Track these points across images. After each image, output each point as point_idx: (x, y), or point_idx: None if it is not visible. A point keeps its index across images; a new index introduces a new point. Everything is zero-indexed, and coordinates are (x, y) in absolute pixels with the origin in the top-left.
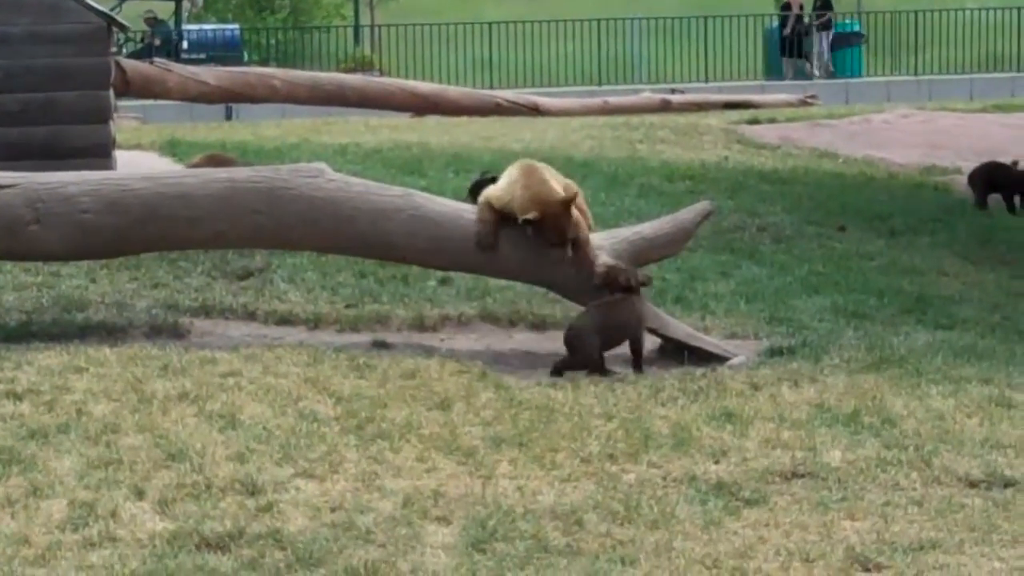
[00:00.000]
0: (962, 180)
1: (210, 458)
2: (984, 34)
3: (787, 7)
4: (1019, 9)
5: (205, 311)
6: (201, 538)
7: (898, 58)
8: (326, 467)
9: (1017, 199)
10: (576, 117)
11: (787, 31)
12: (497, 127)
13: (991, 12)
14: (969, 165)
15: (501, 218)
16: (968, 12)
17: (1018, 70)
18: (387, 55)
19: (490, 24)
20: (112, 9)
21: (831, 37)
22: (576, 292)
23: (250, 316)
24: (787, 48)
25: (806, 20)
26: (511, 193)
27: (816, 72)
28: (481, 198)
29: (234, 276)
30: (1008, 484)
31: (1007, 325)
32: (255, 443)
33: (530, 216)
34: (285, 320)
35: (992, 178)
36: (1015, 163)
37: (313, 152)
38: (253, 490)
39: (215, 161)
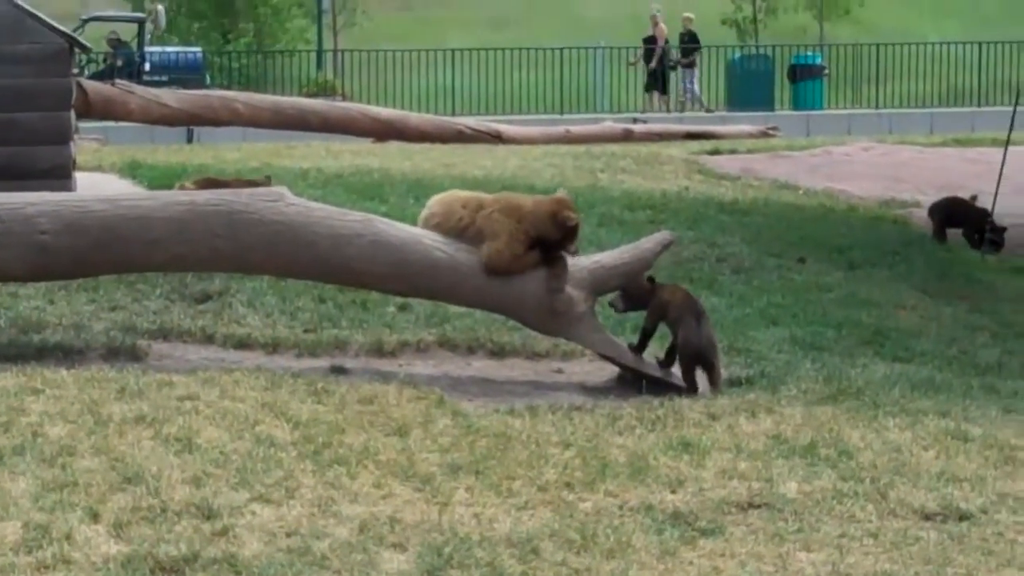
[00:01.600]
0: (921, 214)
1: (166, 481)
2: (945, 68)
3: (652, 40)
4: (980, 44)
5: (163, 334)
6: (156, 562)
7: (859, 91)
8: (282, 492)
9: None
10: (538, 145)
11: (652, 65)
12: (459, 154)
13: (952, 47)
14: (928, 199)
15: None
16: (929, 46)
17: (978, 105)
18: (350, 80)
19: (453, 51)
20: (75, 30)
21: (696, 73)
22: (536, 320)
23: (208, 340)
24: (653, 82)
25: (672, 55)
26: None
27: (676, 106)
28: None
29: (193, 299)
30: (963, 517)
31: (964, 359)
32: (211, 467)
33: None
34: (243, 344)
35: (951, 213)
36: (974, 198)
37: (275, 176)
38: (209, 514)
39: (210, 183)
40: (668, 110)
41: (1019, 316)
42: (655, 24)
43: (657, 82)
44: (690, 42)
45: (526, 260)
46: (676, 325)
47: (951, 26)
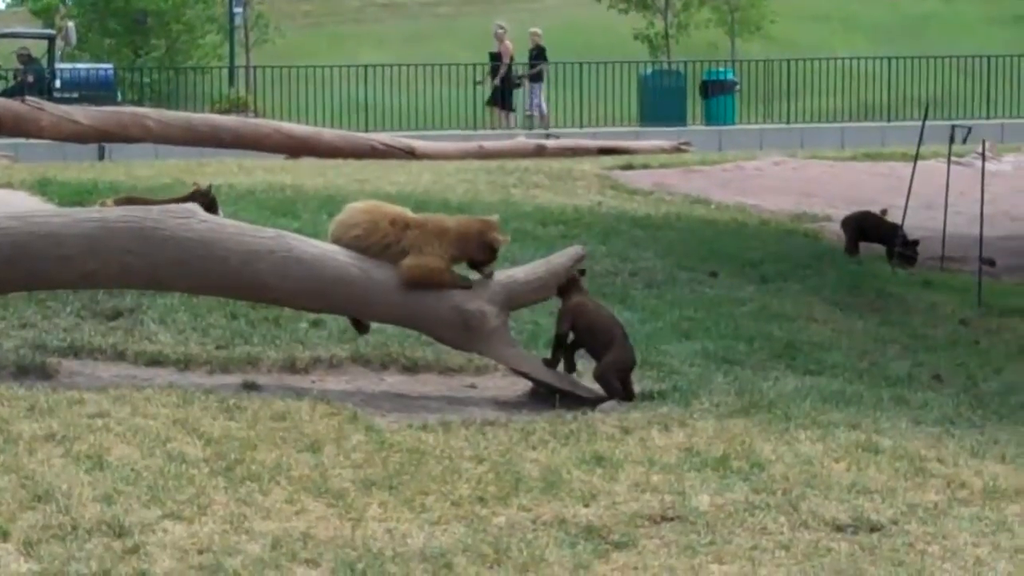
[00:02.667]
0: (832, 227)
1: (77, 499)
2: (855, 84)
3: (497, 57)
4: (890, 59)
5: (74, 351)
6: None
7: (771, 106)
8: (194, 509)
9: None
10: (451, 161)
11: (496, 81)
12: (372, 170)
13: (862, 62)
14: (839, 213)
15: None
16: (840, 62)
17: (888, 120)
18: (262, 96)
19: (366, 67)
20: None
21: (543, 88)
22: (449, 335)
23: (120, 357)
24: (496, 98)
25: (517, 71)
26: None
27: (519, 122)
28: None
29: (104, 316)
30: (874, 528)
31: (874, 371)
32: (123, 484)
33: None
34: (155, 361)
35: (863, 226)
36: (884, 212)
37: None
38: (120, 532)
39: (131, 203)
40: (510, 126)
41: (929, 328)
42: (500, 40)
43: (501, 98)
44: (537, 58)
45: (446, 276)
46: (599, 335)
47: (861, 42)
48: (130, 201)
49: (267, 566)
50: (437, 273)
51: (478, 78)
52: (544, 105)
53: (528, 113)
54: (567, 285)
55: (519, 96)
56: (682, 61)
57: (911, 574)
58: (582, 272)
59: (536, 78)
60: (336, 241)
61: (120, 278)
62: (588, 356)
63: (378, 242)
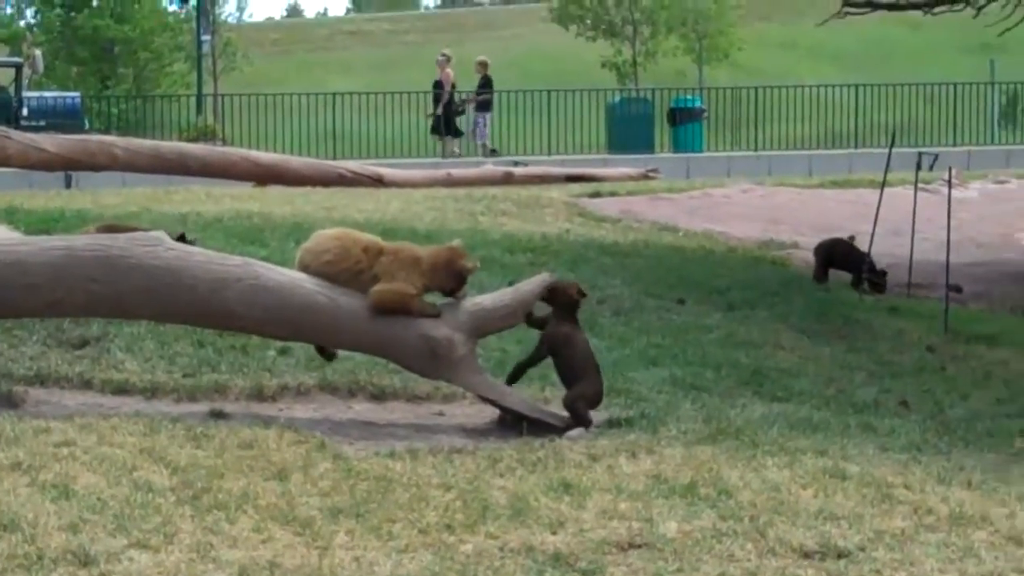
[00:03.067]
0: (800, 255)
1: (42, 528)
2: (822, 111)
3: (439, 85)
4: (857, 87)
5: (40, 380)
6: None
7: (738, 134)
8: (161, 538)
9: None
10: (419, 188)
11: (439, 110)
12: (340, 198)
13: (829, 89)
14: (807, 240)
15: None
16: (807, 90)
17: (855, 147)
18: (230, 124)
19: (334, 95)
20: None
21: (488, 117)
22: (417, 363)
23: (86, 385)
24: (438, 126)
25: (459, 98)
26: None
27: (467, 148)
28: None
29: (70, 345)
30: (841, 555)
31: (841, 398)
32: (89, 513)
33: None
34: (122, 389)
35: (831, 253)
36: (851, 239)
37: (153, 220)
38: (86, 561)
39: (111, 230)
40: (457, 154)
41: (896, 355)
42: (441, 68)
43: (445, 125)
44: (484, 87)
45: (415, 303)
46: (577, 365)
47: (828, 69)
48: (112, 229)
49: None
50: (407, 299)
51: (428, 110)
52: (487, 134)
53: (480, 143)
54: (567, 308)
55: (463, 123)
56: (650, 89)
57: None
58: (583, 295)
59: (483, 107)
60: (304, 268)
61: (86, 306)
62: (541, 378)
63: (349, 268)
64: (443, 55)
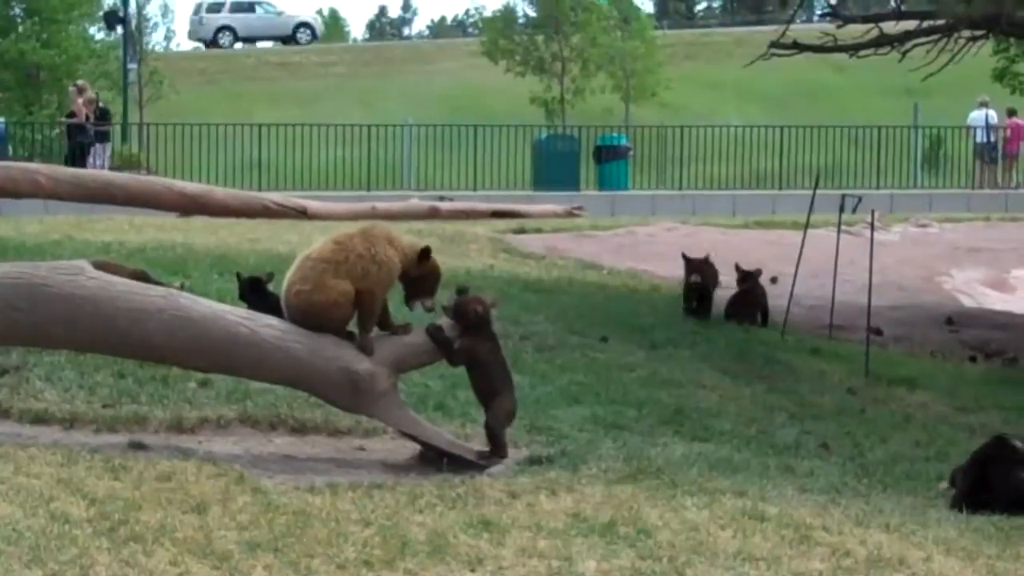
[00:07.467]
0: (722, 295)
1: None
2: (747, 152)
3: (72, 115)
4: (782, 128)
5: None
6: None
7: (663, 172)
8: (77, 570)
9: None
10: (344, 221)
11: (72, 141)
12: (264, 229)
13: (754, 130)
14: (730, 280)
15: None
16: (732, 130)
17: (779, 188)
18: (155, 154)
19: (260, 126)
20: None
21: (109, 150)
22: (338, 397)
23: (4, 414)
24: (72, 159)
25: (90, 131)
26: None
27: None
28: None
29: None
30: None
31: (762, 438)
32: (3, 544)
33: None
34: (40, 419)
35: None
36: (774, 280)
37: (76, 249)
38: None
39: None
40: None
41: (816, 396)
42: (72, 100)
43: (72, 159)
44: (101, 118)
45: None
46: (495, 378)
47: (754, 110)
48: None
49: None
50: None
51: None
52: (107, 164)
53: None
54: (476, 324)
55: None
56: (576, 126)
57: None
58: (490, 307)
59: (101, 138)
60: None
61: (6, 335)
62: (462, 415)
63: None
64: (73, 85)
